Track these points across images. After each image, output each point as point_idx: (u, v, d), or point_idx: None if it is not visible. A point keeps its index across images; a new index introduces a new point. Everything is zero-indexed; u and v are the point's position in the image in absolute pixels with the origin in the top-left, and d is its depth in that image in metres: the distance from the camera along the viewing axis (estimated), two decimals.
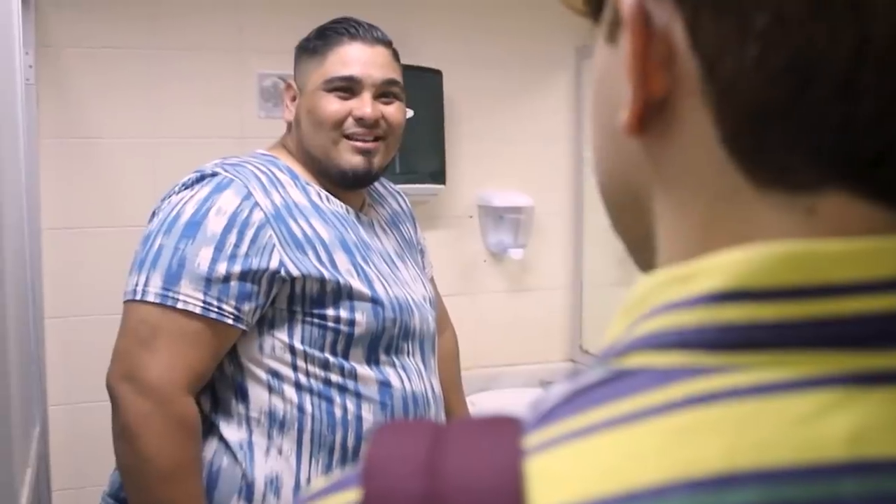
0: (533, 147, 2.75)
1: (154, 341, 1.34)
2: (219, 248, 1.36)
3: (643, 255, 0.41)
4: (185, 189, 1.45)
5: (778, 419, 0.31)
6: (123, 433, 1.35)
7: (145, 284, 1.35)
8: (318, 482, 0.39)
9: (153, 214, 1.48)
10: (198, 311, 1.35)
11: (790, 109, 0.32)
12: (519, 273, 2.78)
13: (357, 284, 1.44)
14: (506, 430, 0.35)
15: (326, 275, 1.42)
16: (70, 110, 2.31)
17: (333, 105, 1.50)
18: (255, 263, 1.37)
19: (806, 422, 0.30)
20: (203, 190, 1.42)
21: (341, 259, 1.45)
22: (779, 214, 0.33)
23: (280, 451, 1.42)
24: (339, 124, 1.50)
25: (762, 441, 0.30)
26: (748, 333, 0.32)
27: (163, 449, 1.33)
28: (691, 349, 0.33)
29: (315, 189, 1.52)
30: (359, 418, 1.46)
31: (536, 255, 2.77)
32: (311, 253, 1.42)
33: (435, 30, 2.57)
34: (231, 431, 1.42)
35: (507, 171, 2.73)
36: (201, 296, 1.35)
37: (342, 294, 1.43)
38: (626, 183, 0.40)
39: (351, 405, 1.45)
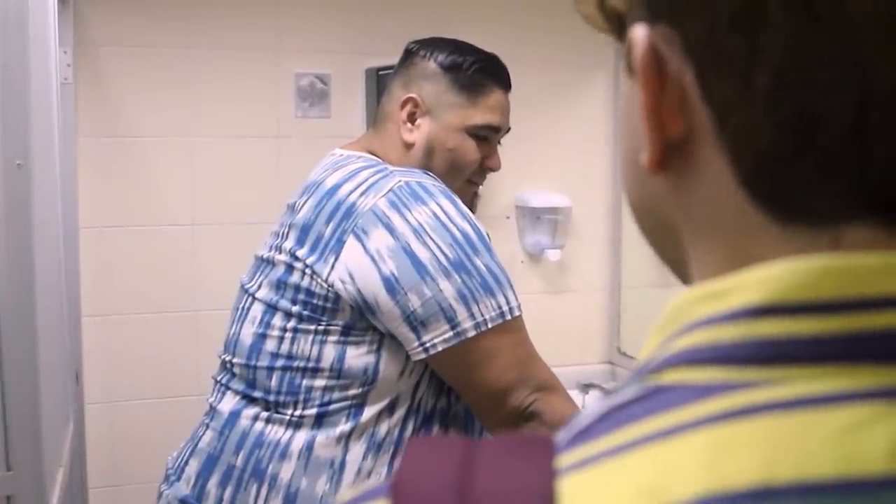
0: (571, 148, 2.72)
1: (530, 347, 1.39)
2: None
3: (682, 275, 0.41)
4: (417, 204, 1.33)
5: (817, 432, 0.30)
6: (561, 424, 1.35)
7: (507, 303, 1.35)
8: (348, 492, 0.40)
9: (395, 230, 1.32)
10: (519, 311, 1.39)
11: (803, 155, 0.32)
12: (556, 274, 2.75)
13: None
14: (538, 450, 0.35)
15: None
16: (107, 109, 2.32)
17: (475, 153, 1.51)
18: None
19: (845, 435, 0.30)
20: (445, 201, 1.35)
21: None
22: (804, 245, 0.33)
23: (369, 473, 1.38)
24: (473, 171, 1.52)
25: (801, 454, 0.30)
26: (785, 348, 0.32)
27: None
28: (728, 364, 0.33)
29: None
30: None
31: (574, 256, 2.74)
32: None
33: (472, 30, 2.54)
34: (326, 449, 1.37)
35: (545, 172, 2.70)
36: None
37: None
38: (654, 212, 0.40)
39: (454, 431, 1.43)
